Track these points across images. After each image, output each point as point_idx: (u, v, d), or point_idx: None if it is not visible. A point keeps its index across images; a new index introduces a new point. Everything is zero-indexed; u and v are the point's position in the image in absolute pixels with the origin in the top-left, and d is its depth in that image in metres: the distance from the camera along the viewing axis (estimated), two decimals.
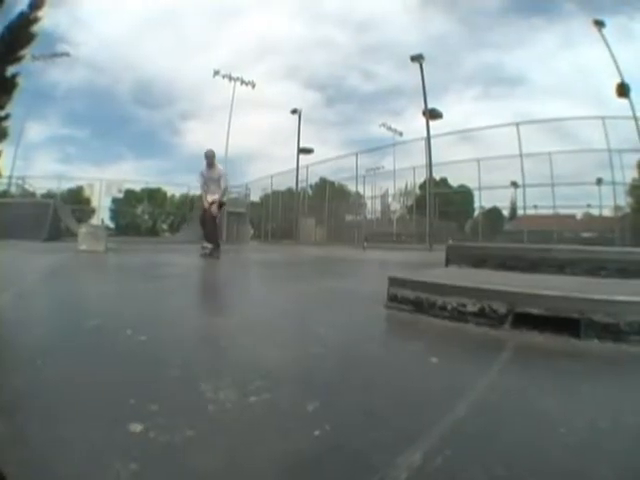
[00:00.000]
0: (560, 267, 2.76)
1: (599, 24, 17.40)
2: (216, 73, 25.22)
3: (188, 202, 28.82)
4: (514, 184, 17.32)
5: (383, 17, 58.29)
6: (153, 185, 31.07)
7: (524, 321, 1.99)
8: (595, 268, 2.70)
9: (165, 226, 33.76)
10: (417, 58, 18.67)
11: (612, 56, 16.58)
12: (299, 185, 24.62)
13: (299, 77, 69.03)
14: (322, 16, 51.39)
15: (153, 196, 31.46)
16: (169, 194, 33.58)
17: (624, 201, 16.97)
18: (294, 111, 24.92)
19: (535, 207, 17.83)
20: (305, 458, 0.91)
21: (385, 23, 58.99)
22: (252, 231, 26.65)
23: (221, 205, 7.98)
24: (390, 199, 24.04)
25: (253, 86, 25.74)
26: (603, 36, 17.02)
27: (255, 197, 27.71)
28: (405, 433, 1.03)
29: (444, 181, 22.10)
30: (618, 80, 16.39)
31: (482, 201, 19.35)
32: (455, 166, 19.78)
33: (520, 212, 18.74)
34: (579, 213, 19.13)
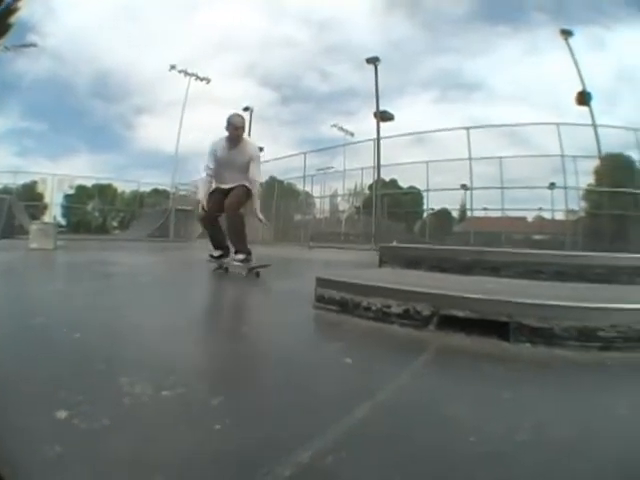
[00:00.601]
0: (494, 269, 2.72)
1: (566, 33, 17.60)
2: (172, 67, 24.35)
3: (138, 199, 27.95)
4: (464, 186, 17.49)
5: (346, 18, 58.19)
6: (104, 181, 29.77)
7: (451, 323, 1.91)
8: (532, 271, 2.68)
9: (115, 223, 32.56)
10: (372, 60, 18.50)
11: (576, 65, 16.86)
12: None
13: (256, 75, 67.86)
14: (284, 14, 50.96)
15: (104, 192, 30.20)
16: (119, 190, 32.29)
17: (577, 205, 17.22)
18: (246, 109, 24.42)
19: (485, 209, 17.99)
20: (202, 450, 0.94)
21: (347, 24, 58.91)
22: (200, 229, 26.07)
23: (247, 198, 4.81)
24: (339, 199, 23.63)
25: (208, 82, 25.07)
26: (569, 45, 17.29)
27: None
28: (300, 432, 1.02)
29: (394, 182, 22.04)
30: (580, 89, 16.65)
31: (431, 203, 19.47)
32: (405, 168, 19.83)
33: (470, 214, 18.83)
34: (530, 216, 19.53)
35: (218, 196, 4.74)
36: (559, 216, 17.20)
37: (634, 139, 15.76)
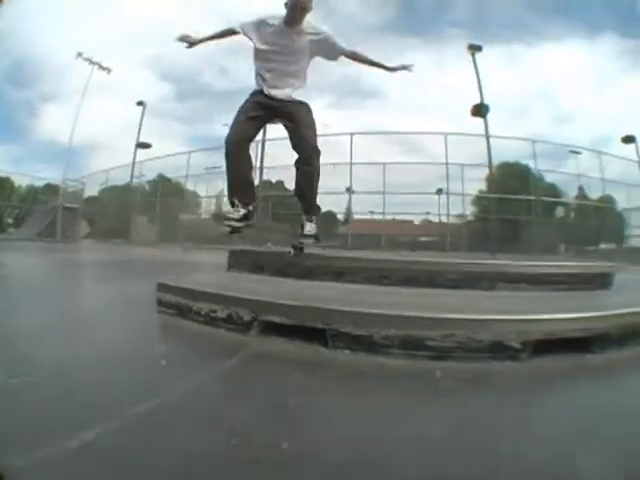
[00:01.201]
0: (337, 275, 2.68)
1: (474, 48, 18.47)
2: (79, 55, 22.86)
3: (31, 194, 25.78)
4: (348, 190, 17.89)
5: (255, 15, 58.02)
6: (3, 174, 27.10)
7: (274, 329, 1.87)
8: (376, 277, 2.64)
9: (10, 220, 29.81)
10: None
11: (478, 79, 17.77)
12: (136, 181, 22.96)
13: (157, 68, 65.29)
14: (192, 5, 49.43)
15: (3, 186, 27.59)
16: (16, 184, 29.60)
17: (466, 210, 18.31)
18: (139, 103, 23.44)
19: (372, 213, 18.61)
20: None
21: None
22: (88, 229, 24.28)
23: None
24: (225, 199, 23.43)
25: (108, 72, 23.68)
26: (474, 60, 18.12)
27: (94, 191, 25.16)
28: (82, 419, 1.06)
29: (281, 184, 22.12)
30: (477, 101, 17.77)
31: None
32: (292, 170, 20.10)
33: (356, 217, 19.55)
34: (417, 219, 20.36)
35: (257, 107, 3.17)
36: (446, 220, 18.02)
37: (531, 150, 17.38)
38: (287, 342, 1.82)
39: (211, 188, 22.10)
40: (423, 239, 19.37)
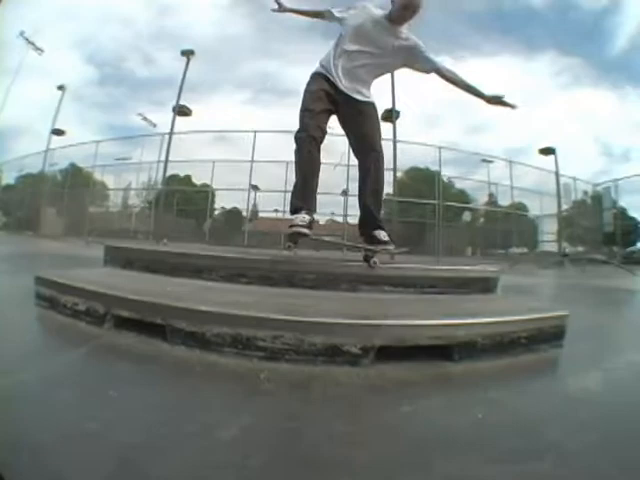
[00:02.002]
0: (197, 272, 2.72)
1: None
2: (21, 33, 22.16)
3: None
4: (254, 187, 18.18)
5: (188, 5, 58.66)
6: None
7: (126, 323, 1.97)
8: (233, 275, 2.67)
9: None
10: (187, 53, 18.55)
11: (392, 85, 17.78)
12: (50, 169, 22.04)
13: (86, 50, 63.91)
14: None
15: None
16: None
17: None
18: (60, 87, 22.60)
19: (276, 211, 18.83)
20: None
21: (188, 11, 59.93)
22: (4, 219, 23.36)
23: None
24: (132, 193, 22.27)
25: (41, 53, 23.08)
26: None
27: (11, 179, 24.25)
28: None
29: (188, 178, 22.06)
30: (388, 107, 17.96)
31: (224, 202, 20.25)
32: (200, 165, 19.76)
33: (262, 215, 20.06)
34: (322, 219, 20.29)
35: (326, 99, 2.89)
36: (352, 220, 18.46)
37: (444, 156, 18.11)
38: (135, 336, 1.90)
39: (120, 180, 21.66)
40: (326, 238, 19.43)
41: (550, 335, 2.11)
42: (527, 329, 2.02)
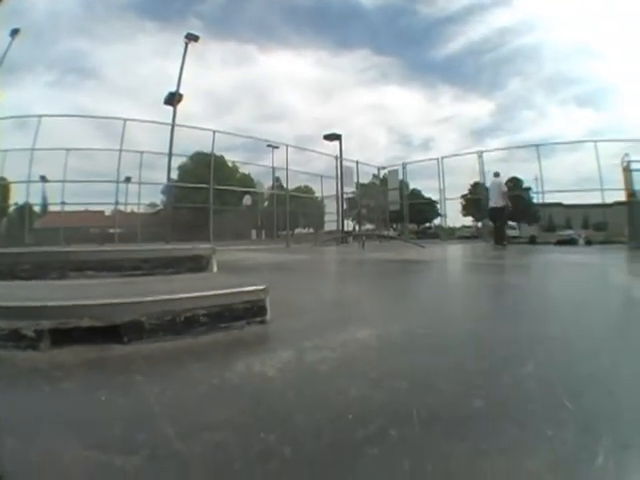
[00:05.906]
0: None
1: (190, 37, 18.66)
2: None
3: None
4: (43, 178, 15.90)
5: None
6: None
7: None
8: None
9: None
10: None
11: (181, 69, 18.07)
12: None
13: None
14: None
15: None
16: None
17: (158, 200, 19.06)
18: None
19: (63, 203, 15.94)
20: None
21: None
22: None
23: None
24: None
25: None
26: (186, 49, 18.50)
27: None
28: None
29: None
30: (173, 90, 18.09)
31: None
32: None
33: (55, 209, 17.09)
34: (108, 210, 18.91)
35: None
36: (139, 210, 17.97)
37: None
38: None
39: None
40: (112, 231, 17.95)
41: (244, 311, 2.01)
42: (206, 306, 1.92)
